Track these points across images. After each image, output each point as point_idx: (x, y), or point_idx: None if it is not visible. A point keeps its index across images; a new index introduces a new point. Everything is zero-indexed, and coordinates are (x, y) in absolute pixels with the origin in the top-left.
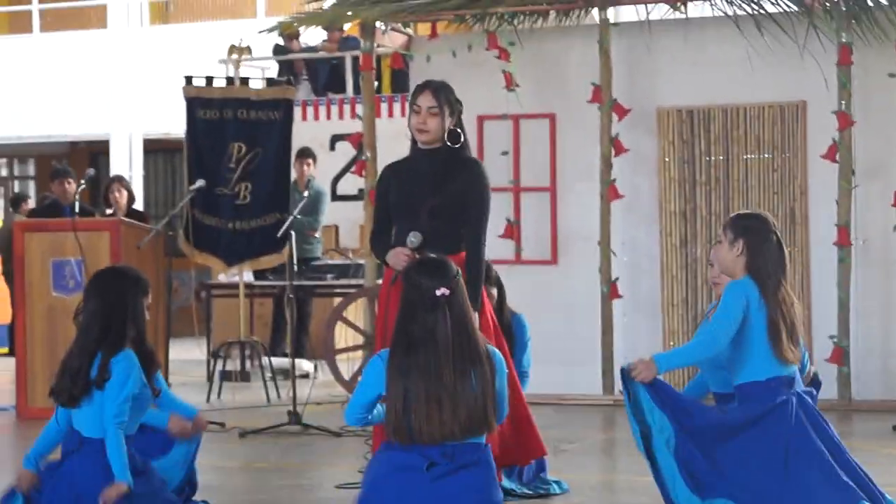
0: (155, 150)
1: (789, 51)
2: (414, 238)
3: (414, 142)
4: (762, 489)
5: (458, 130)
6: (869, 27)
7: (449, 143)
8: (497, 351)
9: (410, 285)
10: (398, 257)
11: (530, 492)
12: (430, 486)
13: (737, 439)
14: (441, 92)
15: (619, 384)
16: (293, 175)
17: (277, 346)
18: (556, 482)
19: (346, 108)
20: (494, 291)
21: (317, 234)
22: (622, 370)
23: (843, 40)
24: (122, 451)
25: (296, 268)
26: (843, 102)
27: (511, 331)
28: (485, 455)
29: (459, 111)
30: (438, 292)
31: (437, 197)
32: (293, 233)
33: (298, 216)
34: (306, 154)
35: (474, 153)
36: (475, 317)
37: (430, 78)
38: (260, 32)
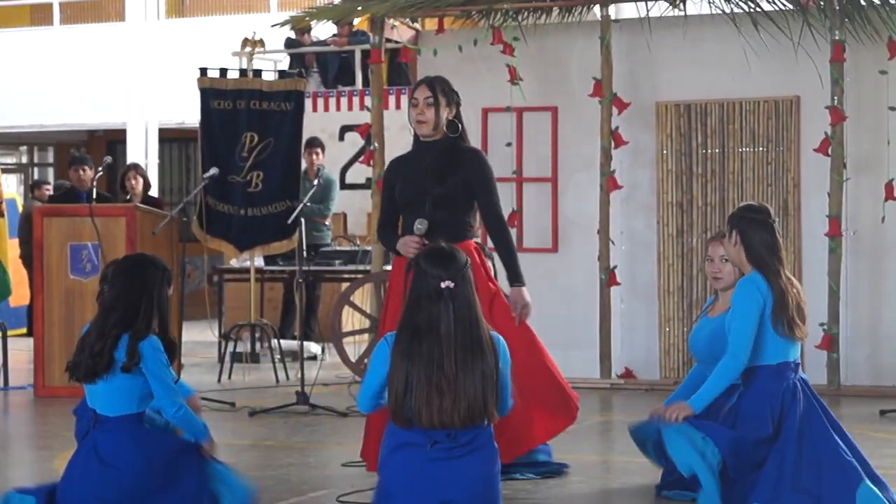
0: (170, 139)
1: (784, 48)
2: (420, 225)
3: (416, 136)
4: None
5: (456, 121)
6: (861, 25)
7: (448, 133)
8: (500, 338)
9: (418, 274)
10: (407, 245)
11: (533, 475)
12: (430, 465)
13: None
14: (437, 84)
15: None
16: (303, 165)
17: (287, 329)
18: (558, 464)
19: (356, 99)
20: (490, 264)
21: (327, 222)
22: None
23: (837, 38)
24: (195, 420)
25: (305, 254)
26: (836, 98)
27: None
28: (486, 438)
29: (457, 102)
30: (443, 285)
31: (439, 187)
32: (303, 220)
33: (309, 204)
34: (315, 144)
35: (478, 144)
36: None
37: (437, 71)
38: (272, 26)
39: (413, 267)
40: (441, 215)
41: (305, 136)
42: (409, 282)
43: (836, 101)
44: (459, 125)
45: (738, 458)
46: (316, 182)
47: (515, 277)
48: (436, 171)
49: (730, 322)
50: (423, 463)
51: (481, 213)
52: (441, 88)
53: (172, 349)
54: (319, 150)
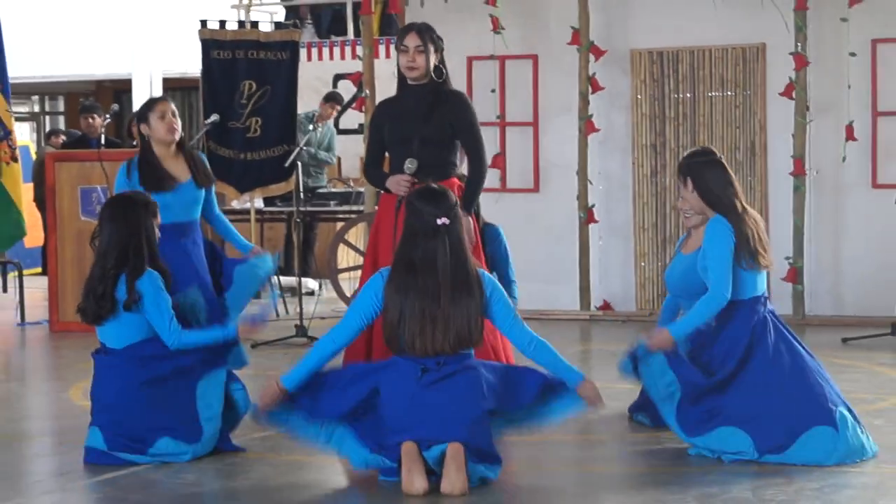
0: (173, 87)
1: None
2: (411, 164)
3: (402, 79)
4: (757, 404)
5: (441, 66)
6: None
7: (435, 78)
8: (486, 272)
9: (412, 212)
10: (399, 183)
11: None
12: (422, 391)
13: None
14: (425, 32)
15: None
16: (304, 110)
17: (287, 266)
18: None
19: (348, 49)
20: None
21: (332, 162)
22: (632, 352)
23: None
24: (202, 335)
25: (303, 195)
26: (800, 45)
27: (484, 240)
28: (471, 363)
29: (442, 48)
30: (439, 221)
31: (426, 127)
32: (309, 165)
33: (321, 152)
34: (336, 99)
35: (464, 91)
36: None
37: (425, 21)
38: None
39: (405, 206)
40: (427, 154)
41: (301, 84)
42: (401, 218)
43: (799, 48)
44: (444, 70)
45: (694, 398)
46: (312, 127)
47: (464, 205)
48: (423, 112)
49: (703, 262)
50: (417, 389)
51: (466, 153)
52: (429, 36)
53: (165, 277)
54: (339, 106)
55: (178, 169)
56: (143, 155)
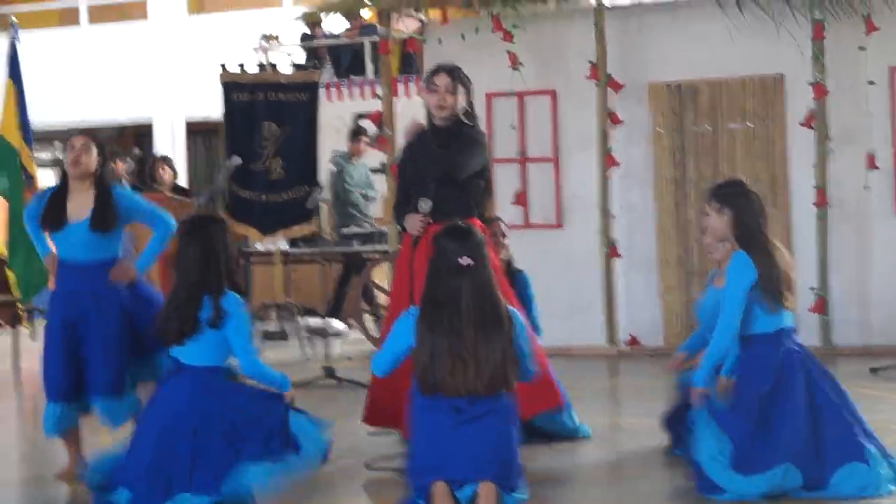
0: (196, 131)
1: (767, 28)
2: (424, 204)
3: (429, 120)
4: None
5: (470, 110)
6: (840, 4)
7: (465, 121)
8: (516, 311)
9: (438, 250)
10: (413, 222)
11: (557, 429)
12: (454, 430)
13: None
14: (456, 73)
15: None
16: (348, 149)
17: (338, 311)
18: (580, 426)
19: (367, 88)
20: (507, 242)
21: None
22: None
23: (817, 17)
24: (268, 371)
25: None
26: (818, 74)
27: (513, 283)
28: (504, 403)
29: (470, 88)
30: (463, 262)
31: (441, 168)
32: (322, 205)
33: (369, 191)
34: (361, 132)
35: (484, 128)
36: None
37: (442, 59)
38: (289, 20)
39: (432, 243)
40: (445, 194)
41: (321, 124)
42: (418, 256)
43: (818, 77)
44: (474, 113)
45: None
46: (338, 167)
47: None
48: (440, 152)
49: (723, 295)
50: (449, 428)
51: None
52: (459, 76)
53: (241, 293)
54: (367, 138)
55: (80, 206)
56: (59, 186)
